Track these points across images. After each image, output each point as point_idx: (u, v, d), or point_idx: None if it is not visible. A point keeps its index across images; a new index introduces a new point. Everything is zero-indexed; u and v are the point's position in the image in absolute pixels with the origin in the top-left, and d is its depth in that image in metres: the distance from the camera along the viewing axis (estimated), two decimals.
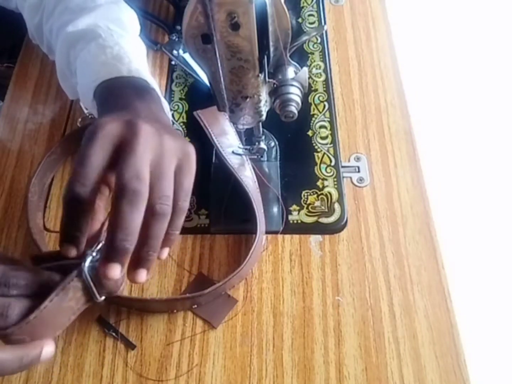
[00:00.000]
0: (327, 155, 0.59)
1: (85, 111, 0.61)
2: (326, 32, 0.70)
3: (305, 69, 0.42)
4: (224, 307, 0.49)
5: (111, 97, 0.46)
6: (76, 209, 0.35)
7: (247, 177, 0.55)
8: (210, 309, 0.49)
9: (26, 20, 0.60)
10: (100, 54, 0.49)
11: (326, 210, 0.55)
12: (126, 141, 0.36)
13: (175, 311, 0.49)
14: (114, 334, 0.48)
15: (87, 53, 0.50)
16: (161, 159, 0.37)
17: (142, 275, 0.36)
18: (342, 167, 0.58)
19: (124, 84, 0.47)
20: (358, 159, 0.59)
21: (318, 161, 0.59)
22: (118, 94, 0.45)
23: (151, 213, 0.35)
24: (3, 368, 0.32)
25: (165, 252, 0.39)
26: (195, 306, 0.49)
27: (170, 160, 0.37)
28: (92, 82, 0.48)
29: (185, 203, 0.38)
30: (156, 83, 0.51)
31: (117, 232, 0.33)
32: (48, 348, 0.34)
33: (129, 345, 0.48)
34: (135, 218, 0.34)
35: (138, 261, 0.35)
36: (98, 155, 0.35)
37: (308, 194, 0.56)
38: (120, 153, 0.35)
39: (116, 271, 0.33)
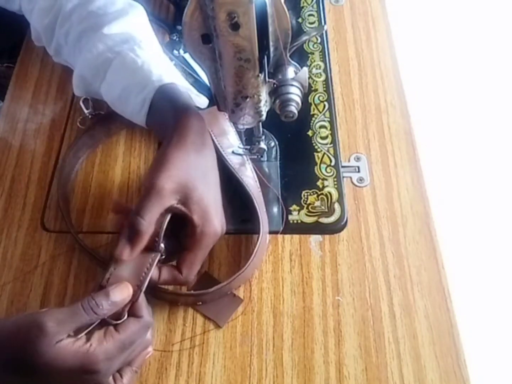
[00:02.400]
0: (327, 155, 0.59)
1: (85, 111, 0.61)
2: (326, 32, 0.70)
3: (305, 69, 0.42)
4: (229, 306, 0.49)
5: (190, 114, 0.48)
6: None
7: (248, 177, 0.55)
8: (216, 308, 0.49)
9: (32, 22, 0.60)
10: (155, 57, 0.54)
11: (326, 210, 0.55)
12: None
13: (179, 304, 0.49)
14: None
15: (142, 54, 0.53)
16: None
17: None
18: (342, 167, 0.58)
19: (188, 101, 0.52)
20: (358, 159, 0.59)
21: (318, 161, 0.59)
22: (186, 112, 0.49)
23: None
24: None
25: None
26: (200, 303, 0.49)
27: None
28: (156, 81, 0.51)
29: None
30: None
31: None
32: None
33: None
34: None
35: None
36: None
37: (308, 194, 0.56)
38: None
39: None
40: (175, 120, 0.48)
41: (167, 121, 0.49)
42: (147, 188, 0.42)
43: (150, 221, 0.42)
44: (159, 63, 0.54)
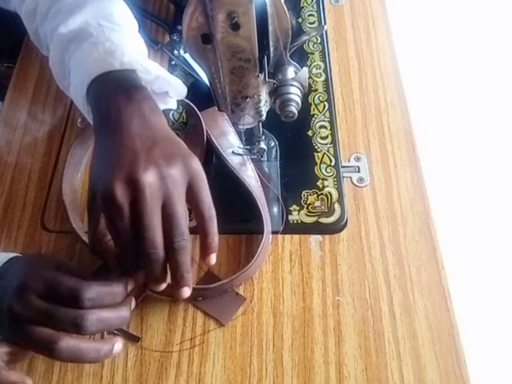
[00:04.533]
0: (327, 155, 0.59)
1: None
2: (326, 32, 0.70)
3: (305, 69, 0.42)
4: (232, 304, 0.49)
5: (103, 100, 0.46)
6: None
7: (250, 177, 0.55)
8: (218, 307, 0.49)
9: (24, 24, 0.60)
10: (92, 51, 0.50)
11: (326, 210, 0.55)
12: (136, 206, 0.39)
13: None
14: (115, 331, 0.48)
15: (80, 53, 0.50)
16: (170, 199, 0.40)
17: (184, 291, 0.42)
18: (342, 167, 0.58)
19: (116, 82, 0.48)
20: (358, 159, 0.59)
21: (318, 161, 0.59)
22: (110, 98, 0.46)
23: (171, 250, 0.40)
24: (83, 356, 0.39)
25: (213, 258, 0.44)
26: (200, 298, 0.49)
27: (178, 194, 0.40)
28: (86, 77, 0.48)
29: (211, 211, 0.43)
30: (156, 67, 0.51)
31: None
32: (118, 344, 0.41)
33: (133, 339, 0.48)
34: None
35: (178, 282, 0.41)
36: (126, 228, 0.39)
37: (308, 194, 0.56)
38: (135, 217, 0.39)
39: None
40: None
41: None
42: None
43: None
44: (102, 53, 0.49)
